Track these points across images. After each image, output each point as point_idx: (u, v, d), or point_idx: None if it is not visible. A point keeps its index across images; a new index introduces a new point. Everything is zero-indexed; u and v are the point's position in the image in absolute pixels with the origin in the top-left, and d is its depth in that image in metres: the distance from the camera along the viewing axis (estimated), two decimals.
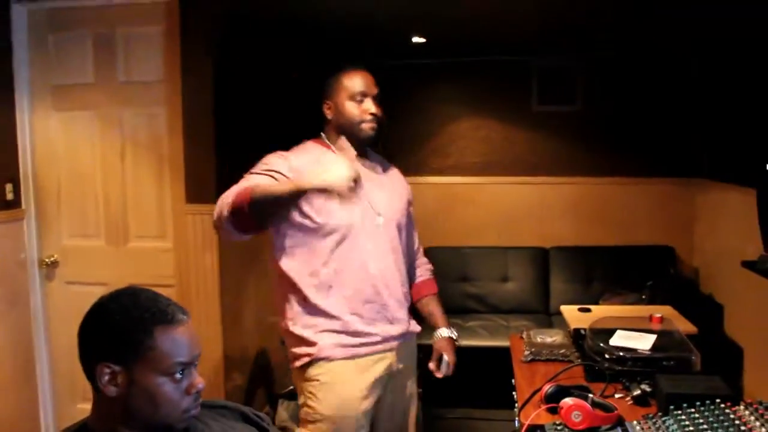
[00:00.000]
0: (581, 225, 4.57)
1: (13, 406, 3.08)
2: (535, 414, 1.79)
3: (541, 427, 1.73)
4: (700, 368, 2.06)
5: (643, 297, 3.94)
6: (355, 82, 2.17)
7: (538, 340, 2.46)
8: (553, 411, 1.77)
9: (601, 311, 3.03)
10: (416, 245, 2.47)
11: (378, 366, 2.15)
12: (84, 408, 3.22)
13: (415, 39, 3.79)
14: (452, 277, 4.46)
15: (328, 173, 1.79)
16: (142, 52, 3.07)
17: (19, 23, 3.11)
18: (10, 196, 3.11)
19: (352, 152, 2.14)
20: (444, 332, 2.36)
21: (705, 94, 4.18)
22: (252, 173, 2.04)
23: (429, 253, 4.47)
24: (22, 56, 3.13)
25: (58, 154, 3.22)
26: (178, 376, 1.23)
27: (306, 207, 2.04)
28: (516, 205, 4.64)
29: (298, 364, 2.14)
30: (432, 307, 2.42)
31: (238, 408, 1.49)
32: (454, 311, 4.29)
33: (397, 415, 2.28)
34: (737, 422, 1.59)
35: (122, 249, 3.21)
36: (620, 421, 1.73)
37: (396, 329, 2.19)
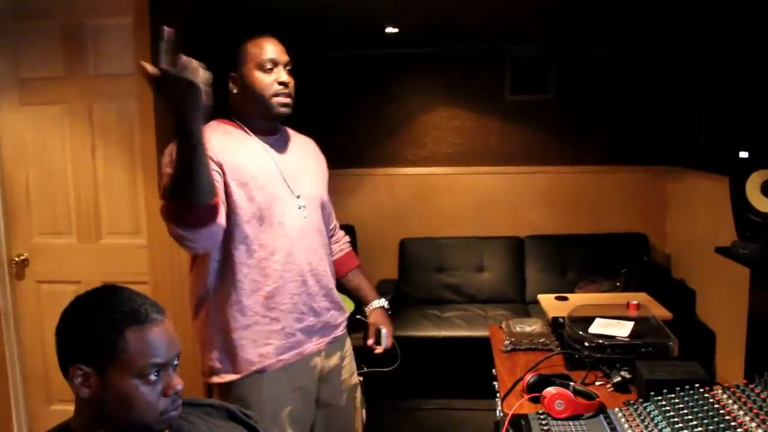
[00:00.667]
0: (555, 214, 4.60)
1: None
2: (518, 404, 1.79)
3: (525, 416, 1.73)
4: (677, 354, 2.09)
5: (618, 284, 3.98)
6: (264, 48, 1.93)
7: (517, 329, 2.46)
8: (536, 400, 1.78)
9: (578, 299, 3.04)
10: (333, 221, 2.29)
11: (312, 365, 2.02)
12: (58, 409, 3.21)
13: (389, 29, 3.77)
14: (428, 267, 4.47)
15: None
16: (112, 44, 3.00)
17: None
18: None
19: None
20: (375, 304, 2.26)
21: (678, 82, 4.23)
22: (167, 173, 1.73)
23: (405, 244, 4.53)
24: None
25: (26, 149, 3.15)
26: (152, 377, 1.19)
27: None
28: (491, 194, 4.65)
29: (218, 380, 1.94)
30: (358, 280, 2.30)
31: (224, 406, 1.46)
32: (431, 302, 4.32)
33: (339, 410, 2.14)
34: (716, 406, 1.61)
35: (94, 246, 3.15)
36: (602, 409, 1.74)
37: (325, 323, 2.05)
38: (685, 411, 1.60)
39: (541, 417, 1.71)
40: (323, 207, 2.09)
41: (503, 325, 2.54)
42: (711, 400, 1.64)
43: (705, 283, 3.92)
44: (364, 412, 2.30)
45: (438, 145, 4.66)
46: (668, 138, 4.39)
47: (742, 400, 1.62)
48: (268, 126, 1.99)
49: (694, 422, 1.53)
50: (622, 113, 4.50)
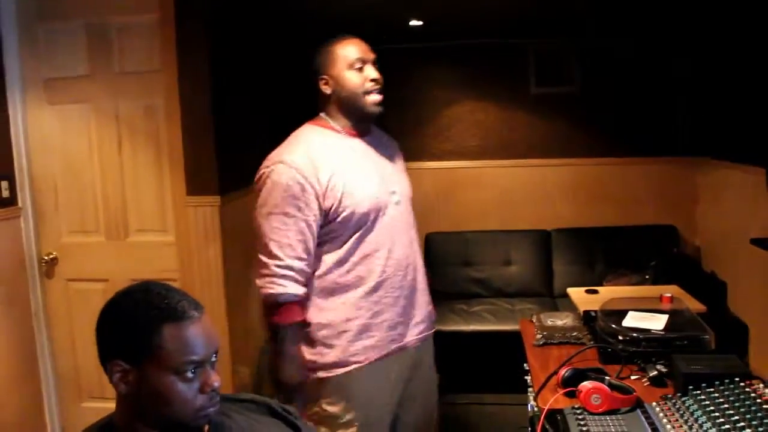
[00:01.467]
0: (582, 206, 4.56)
1: (17, 406, 3.04)
2: (554, 398, 1.76)
3: (560, 411, 1.70)
4: (713, 347, 2.05)
5: (647, 277, 3.92)
6: (351, 49, 2.03)
7: (549, 323, 2.43)
8: (571, 395, 1.75)
9: (608, 292, 3.01)
10: None
11: (405, 358, 2.14)
12: (89, 406, 3.24)
13: (413, 22, 3.75)
14: (455, 261, 4.44)
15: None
16: (137, 41, 3.01)
17: (7, 13, 3.02)
18: (5, 193, 3.05)
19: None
20: None
21: (707, 72, 4.15)
22: (271, 227, 1.98)
23: (431, 238, 4.50)
24: (12, 48, 3.05)
25: (53, 149, 3.16)
26: (189, 374, 1.18)
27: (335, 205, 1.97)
28: (516, 187, 4.62)
29: (320, 375, 2.06)
30: None
31: (265, 402, 1.45)
32: (457, 296, 4.30)
33: (423, 402, 2.28)
34: (758, 400, 1.57)
35: (123, 244, 3.17)
36: (639, 403, 1.70)
37: (421, 319, 2.18)
38: (726, 405, 1.56)
39: (578, 412, 1.67)
40: (410, 203, 2.20)
41: (534, 319, 2.51)
42: (752, 395, 1.60)
43: (737, 275, 3.85)
44: None
45: (463, 138, 4.63)
46: (697, 129, 4.31)
47: None
48: (363, 125, 2.08)
49: (736, 417, 1.49)
50: (650, 104, 4.43)
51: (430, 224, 4.57)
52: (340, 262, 2.01)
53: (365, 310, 2.03)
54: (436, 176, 4.66)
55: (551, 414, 1.70)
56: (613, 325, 2.15)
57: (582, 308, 2.59)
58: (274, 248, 1.95)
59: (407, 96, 4.61)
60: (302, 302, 2.01)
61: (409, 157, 4.54)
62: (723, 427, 1.46)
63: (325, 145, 2.02)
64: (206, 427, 1.26)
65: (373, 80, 2.02)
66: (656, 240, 4.30)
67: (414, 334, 2.16)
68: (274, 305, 1.96)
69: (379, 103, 2.04)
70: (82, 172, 3.16)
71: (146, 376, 1.17)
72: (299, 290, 1.98)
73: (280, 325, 1.97)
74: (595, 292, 3.03)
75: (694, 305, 2.80)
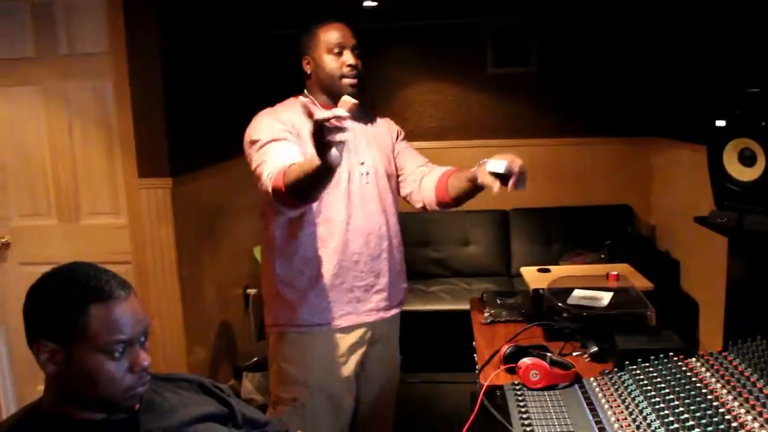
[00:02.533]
0: (540, 186, 4.58)
1: None
2: (494, 375, 1.80)
3: (500, 387, 1.73)
4: (655, 323, 2.10)
5: (602, 256, 4.00)
6: (332, 34, 2.10)
7: (498, 302, 2.47)
8: (512, 371, 1.78)
9: (560, 271, 3.05)
10: (423, 161, 2.37)
11: (364, 332, 2.19)
12: None
13: (367, 3, 3.72)
14: (414, 242, 4.44)
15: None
16: (84, 22, 2.96)
17: None
18: None
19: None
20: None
21: (658, 52, 4.22)
22: (266, 143, 1.95)
23: None
24: None
25: (1, 132, 3.11)
26: (117, 354, 1.19)
27: None
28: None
29: (276, 330, 2.15)
30: (459, 177, 2.27)
31: (198, 380, 1.47)
32: (417, 276, 4.33)
33: (383, 383, 2.32)
34: (689, 374, 1.62)
35: (75, 227, 3.14)
36: (578, 379, 1.75)
37: (385, 292, 2.22)
38: (659, 380, 1.60)
39: (517, 388, 1.71)
40: (389, 178, 2.24)
41: (484, 298, 2.55)
42: (685, 370, 1.64)
43: (688, 253, 3.94)
44: None
45: (420, 119, 4.63)
46: (650, 108, 4.38)
47: (716, 368, 1.63)
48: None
49: (668, 391, 1.54)
50: (604, 84, 4.48)
51: None
52: (302, 221, 2.05)
53: (324, 271, 2.09)
54: None
55: (492, 390, 1.73)
56: (559, 303, 2.20)
57: (533, 287, 2.63)
58: (265, 171, 1.88)
59: (364, 78, 4.58)
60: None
61: None
62: (655, 401, 1.51)
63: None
64: (137, 406, 1.27)
65: (349, 66, 2.08)
66: (612, 219, 4.38)
67: (375, 305, 2.20)
68: (273, 188, 1.84)
69: (354, 86, 2.10)
70: (33, 154, 3.12)
71: (74, 356, 1.17)
72: (273, 168, 1.88)
73: (288, 185, 1.79)
74: (548, 270, 3.06)
75: (642, 283, 2.84)
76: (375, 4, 3.80)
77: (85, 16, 2.95)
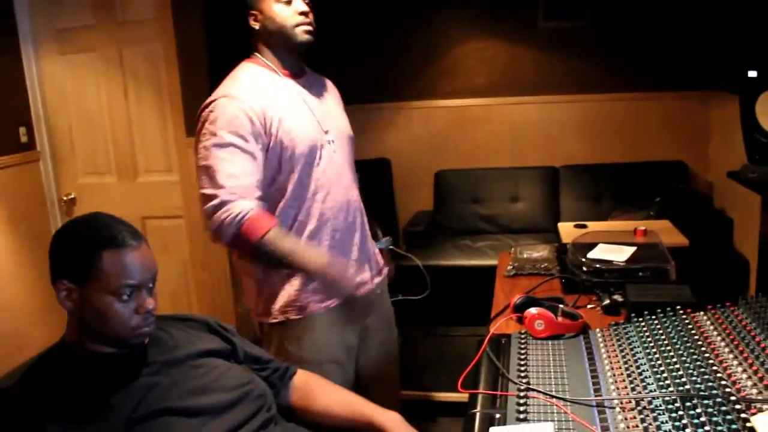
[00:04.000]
0: (593, 143, 4.53)
1: (48, 336, 3.25)
2: (500, 323, 1.86)
3: (508, 336, 1.79)
4: (675, 278, 2.10)
5: (651, 213, 3.92)
6: None
7: (525, 255, 2.52)
8: (521, 321, 1.82)
9: (596, 227, 3.05)
10: None
11: (357, 303, 2.09)
12: None
13: None
14: (463, 198, 4.51)
15: (339, 279, 1.86)
16: None
17: None
18: (24, 138, 3.26)
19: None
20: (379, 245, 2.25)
21: (714, 4, 4.03)
22: (227, 144, 1.82)
23: (440, 175, 4.58)
24: (23, 2, 3.20)
25: (66, 96, 3.35)
26: (125, 297, 1.32)
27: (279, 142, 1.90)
28: (525, 125, 4.61)
29: (268, 320, 2.03)
30: None
31: (204, 320, 1.61)
32: (465, 232, 4.40)
33: (381, 340, 2.27)
34: (690, 327, 1.64)
35: (133, 184, 3.36)
36: (584, 330, 1.77)
37: (368, 261, 2.16)
38: (661, 333, 1.63)
39: (522, 336, 1.75)
40: (351, 142, 2.14)
41: (511, 251, 2.60)
42: (689, 323, 1.66)
43: (743, 212, 3.83)
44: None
45: (471, 76, 4.61)
46: (711, 62, 4.21)
47: (719, 322, 1.64)
48: (294, 59, 2.02)
49: (666, 344, 1.56)
50: (660, 38, 4.32)
51: (439, 162, 4.63)
52: (277, 205, 1.95)
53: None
54: (445, 114, 4.68)
55: (498, 338, 1.78)
56: (579, 257, 2.23)
57: (565, 241, 2.65)
58: (222, 178, 1.80)
59: (414, 35, 4.60)
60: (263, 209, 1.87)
61: (417, 95, 4.68)
62: (651, 353, 1.54)
63: (264, 82, 1.97)
64: (146, 340, 1.42)
65: (302, 13, 1.94)
66: (665, 176, 4.27)
67: (361, 278, 2.11)
68: (239, 230, 1.78)
69: (309, 33, 1.96)
70: (94, 117, 3.34)
71: (88, 296, 1.32)
72: (254, 203, 1.84)
73: (261, 242, 1.79)
74: (584, 226, 3.06)
75: (677, 239, 2.81)
76: None
77: None
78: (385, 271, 2.28)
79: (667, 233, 2.76)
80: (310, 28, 1.96)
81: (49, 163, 3.39)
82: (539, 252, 2.56)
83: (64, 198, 3.42)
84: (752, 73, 2.22)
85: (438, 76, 4.69)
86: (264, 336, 2.12)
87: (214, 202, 1.80)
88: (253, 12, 1.98)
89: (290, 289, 1.99)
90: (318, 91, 2.10)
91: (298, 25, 1.94)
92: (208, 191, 1.83)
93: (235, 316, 3.19)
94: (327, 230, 2.01)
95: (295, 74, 2.05)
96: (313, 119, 2.01)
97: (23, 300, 3.23)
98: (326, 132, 2.03)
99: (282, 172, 1.94)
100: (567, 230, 3.07)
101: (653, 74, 4.39)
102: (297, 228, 1.98)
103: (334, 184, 2.02)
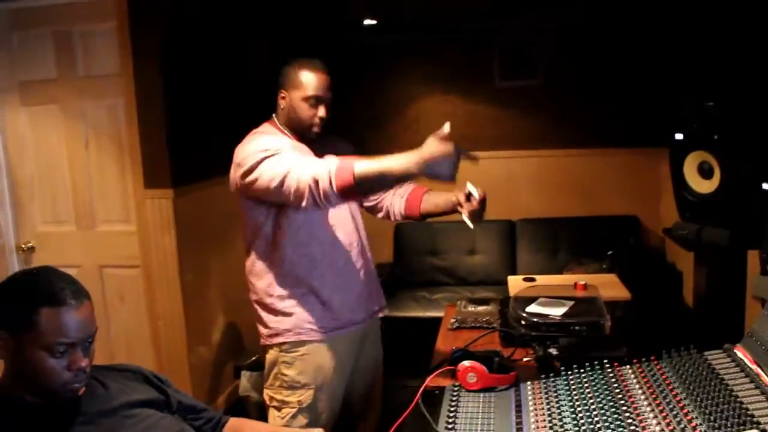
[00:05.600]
0: (548, 197, 4.66)
1: None
2: (434, 375, 1.90)
3: (442, 388, 1.84)
4: (608, 332, 2.17)
5: (604, 266, 4.04)
6: (312, 84, 2.18)
7: (469, 309, 2.59)
8: (454, 374, 1.86)
9: (544, 281, 3.14)
10: None
11: (354, 333, 2.33)
12: None
13: (367, 21, 3.86)
14: (422, 251, 4.60)
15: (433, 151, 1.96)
16: (99, 47, 3.21)
17: None
18: None
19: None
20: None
21: (660, 64, 4.22)
22: (279, 151, 2.03)
23: (399, 228, 4.65)
24: None
25: (28, 146, 3.39)
26: (58, 354, 1.35)
27: None
28: (483, 179, 4.57)
29: (276, 341, 2.25)
30: (434, 198, 2.51)
31: (139, 370, 1.65)
32: (422, 284, 4.46)
33: (370, 374, 2.47)
34: (614, 381, 1.68)
35: (91, 233, 3.38)
36: (516, 383, 1.82)
37: (370, 298, 2.37)
38: (587, 386, 1.67)
39: (455, 389, 1.80)
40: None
41: (457, 305, 2.66)
42: (613, 377, 1.70)
43: (690, 265, 3.94)
44: None
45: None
46: (659, 119, 4.37)
47: (642, 375, 1.69)
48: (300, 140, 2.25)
49: (590, 398, 1.61)
50: (612, 96, 4.52)
51: None
52: (292, 243, 2.18)
53: (318, 285, 2.22)
54: None
55: (433, 391, 1.82)
56: (519, 311, 2.29)
57: (512, 294, 2.72)
58: (284, 161, 2.00)
59: (374, 90, 4.74)
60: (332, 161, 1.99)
61: (376, 149, 4.70)
62: (575, 406, 1.59)
63: (287, 140, 2.20)
64: (82, 391, 1.45)
65: (320, 118, 2.20)
66: (618, 230, 4.41)
67: (364, 312, 2.35)
68: (333, 181, 1.90)
69: (317, 135, 2.22)
70: (54, 167, 3.38)
71: (22, 348, 1.35)
72: (319, 161, 1.98)
73: (356, 183, 1.90)
74: (533, 280, 3.16)
75: (620, 293, 2.91)
76: (374, 22, 3.93)
77: (99, 40, 3.20)
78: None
79: (611, 287, 2.86)
80: (319, 129, 2.22)
81: (9, 212, 3.41)
82: (483, 306, 2.62)
83: (23, 246, 3.43)
84: (678, 136, 2.33)
85: (399, 129, 4.82)
86: (265, 357, 2.32)
87: (291, 178, 1.95)
88: (283, 92, 2.23)
89: (294, 315, 2.20)
90: (328, 150, 2.22)
91: (312, 126, 2.21)
92: (279, 176, 1.97)
93: (188, 366, 3.20)
94: (334, 269, 2.24)
95: (304, 141, 2.25)
96: None
97: None
98: None
99: (289, 211, 2.14)
100: (516, 283, 3.17)
101: (605, 131, 4.57)
102: (306, 264, 2.20)
103: (339, 229, 2.26)
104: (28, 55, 3.29)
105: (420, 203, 2.46)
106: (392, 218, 2.51)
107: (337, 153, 2.30)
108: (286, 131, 2.24)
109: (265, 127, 2.27)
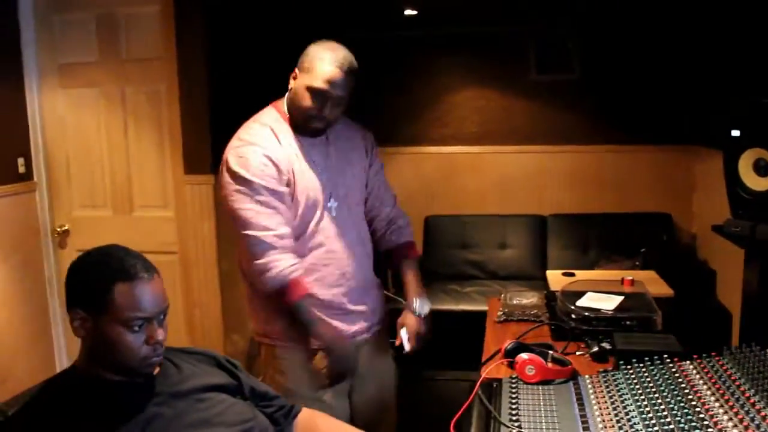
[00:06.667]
0: (579, 193, 4.63)
1: (32, 368, 3.28)
2: (491, 367, 1.89)
3: (499, 380, 1.82)
4: (660, 328, 2.15)
5: (637, 263, 4.01)
6: (324, 76, 1.95)
7: (514, 302, 2.56)
8: (512, 366, 1.85)
9: (584, 275, 3.12)
10: (389, 202, 2.37)
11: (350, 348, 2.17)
12: None
13: (407, 11, 3.84)
14: (452, 244, 4.57)
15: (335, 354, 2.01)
16: (142, 30, 3.21)
17: (25, 5, 3.25)
18: (22, 169, 3.29)
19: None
20: (412, 307, 2.28)
21: (699, 61, 4.19)
22: (260, 188, 1.95)
23: (430, 221, 4.63)
24: (29, 37, 3.28)
25: (66, 129, 3.39)
26: (136, 328, 1.36)
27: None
28: (515, 173, 4.71)
29: (268, 341, 2.16)
30: (408, 276, 2.33)
31: (212, 354, 1.64)
32: (453, 277, 4.44)
33: (378, 386, 2.33)
34: (677, 376, 1.67)
35: (128, 218, 3.39)
36: (574, 376, 1.81)
37: (368, 313, 2.24)
38: (649, 381, 1.66)
39: (513, 381, 1.78)
40: (360, 200, 2.23)
41: (501, 297, 2.64)
42: (676, 372, 1.68)
43: (724, 263, 3.92)
44: None
45: (463, 124, 4.73)
46: (696, 117, 4.35)
47: (705, 371, 1.68)
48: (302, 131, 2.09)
49: (655, 392, 1.59)
50: (648, 92, 4.47)
51: (429, 207, 4.70)
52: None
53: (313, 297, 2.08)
54: (436, 161, 4.78)
55: (490, 383, 1.81)
56: (568, 304, 2.28)
57: (553, 289, 2.71)
58: (263, 220, 1.94)
59: (408, 82, 4.71)
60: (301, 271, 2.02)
61: (409, 141, 4.77)
62: (640, 401, 1.57)
63: (284, 135, 2.06)
64: (157, 370, 1.46)
65: (322, 115, 2.01)
66: (650, 227, 4.37)
67: (359, 326, 2.21)
68: (283, 286, 1.94)
69: (318, 129, 2.06)
70: (92, 151, 3.39)
71: (99, 326, 1.35)
72: (295, 260, 1.98)
73: (296, 303, 1.96)
74: (572, 275, 3.14)
75: (662, 290, 2.89)
76: (415, 12, 3.91)
77: (143, 24, 3.20)
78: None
79: (653, 283, 2.84)
80: (320, 125, 2.04)
81: (45, 194, 3.42)
82: (528, 299, 2.60)
83: (58, 229, 3.44)
84: (735, 132, 2.29)
85: (429, 123, 4.80)
86: (258, 355, 2.24)
87: (258, 248, 1.94)
88: (296, 71, 2.04)
89: (284, 319, 2.07)
90: (334, 149, 2.15)
91: (310, 119, 2.02)
92: (250, 233, 1.95)
93: (224, 353, 3.18)
94: (325, 285, 2.11)
95: (311, 133, 2.10)
96: (320, 179, 2.09)
97: (8, 330, 3.22)
98: (330, 193, 2.11)
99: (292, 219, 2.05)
100: (555, 278, 3.15)
101: (640, 128, 4.53)
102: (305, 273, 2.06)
103: (336, 239, 2.12)
104: (69, 38, 3.30)
105: (399, 264, 2.36)
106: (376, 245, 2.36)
107: (348, 145, 2.20)
108: (287, 117, 2.08)
109: (269, 115, 2.11)
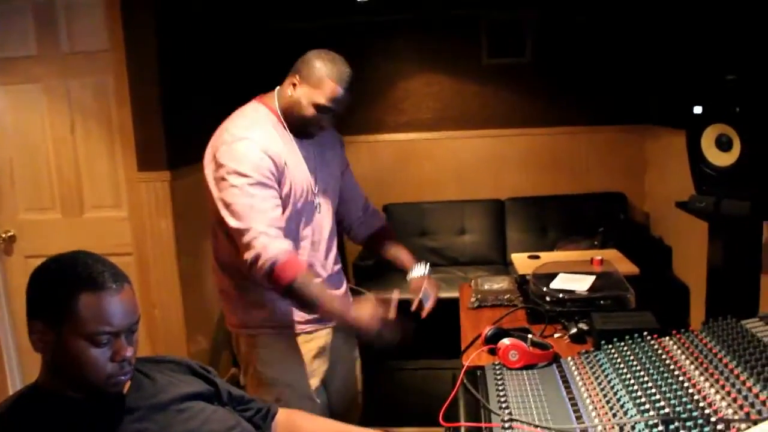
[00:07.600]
0: (536, 175, 4.67)
1: None
2: (474, 355, 1.87)
3: (481, 368, 1.80)
4: (634, 305, 2.17)
5: (596, 243, 4.06)
6: (331, 96, 2.02)
7: (486, 287, 2.55)
8: (493, 352, 1.84)
9: (549, 257, 3.12)
10: (362, 194, 2.48)
11: (325, 334, 2.23)
12: None
13: None
14: (411, 232, 4.55)
15: (360, 317, 1.93)
16: (84, 21, 3.05)
17: None
18: None
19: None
20: (414, 273, 2.45)
21: (649, 40, 4.26)
22: (255, 183, 1.94)
23: (387, 209, 4.60)
24: None
25: (6, 128, 3.21)
26: (102, 342, 1.24)
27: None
28: (471, 158, 4.71)
29: (247, 332, 2.16)
30: (394, 251, 2.50)
31: (185, 362, 1.55)
32: None
33: (346, 374, 2.39)
34: (660, 352, 1.69)
35: (78, 220, 3.24)
36: (556, 359, 1.81)
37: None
38: (632, 359, 1.67)
39: (497, 368, 1.77)
40: (334, 198, 2.28)
41: (472, 283, 2.63)
42: (657, 349, 1.70)
43: (679, 239, 4.01)
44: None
45: (417, 110, 4.71)
46: (644, 96, 4.43)
47: (687, 347, 1.69)
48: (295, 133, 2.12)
49: (639, 369, 1.60)
50: (598, 73, 4.53)
51: (387, 195, 4.66)
52: None
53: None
54: (392, 148, 4.75)
55: (473, 371, 1.79)
56: (542, 287, 2.27)
57: (521, 272, 2.70)
58: (253, 212, 1.92)
59: (359, 70, 4.61)
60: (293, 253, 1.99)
61: (365, 129, 4.71)
62: (626, 379, 1.57)
63: (275, 131, 2.07)
64: (127, 386, 1.35)
65: (322, 126, 2.10)
66: (606, 207, 4.45)
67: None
68: (273, 270, 1.89)
69: (314, 135, 2.13)
70: (37, 150, 3.21)
71: (62, 339, 1.23)
72: (285, 243, 1.95)
73: (291, 286, 1.90)
74: (537, 257, 3.13)
75: (628, 268, 2.90)
76: None
77: (85, 14, 3.03)
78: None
79: (618, 262, 2.85)
80: (316, 132, 2.12)
81: None
82: (499, 283, 2.59)
83: (3, 235, 3.25)
84: (697, 109, 2.33)
85: (384, 110, 4.75)
86: (236, 347, 2.24)
87: (246, 237, 1.91)
88: (297, 79, 2.05)
89: (265, 307, 2.11)
90: (321, 150, 2.21)
91: (309, 127, 2.08)
92: (240, 225, 1.92)
93: (187, 354, 3.09)
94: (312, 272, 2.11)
95: (304, 135, 2.14)
96: (309, 174, 2.13)
97: None
98: (317, 188, 2.16)
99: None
100: (521, 261, 3.14)
101: (592, 109, 4.59)
102: None
103: (317, 232, 2.18)
104: (5, 31, 3.10)
105: (380, 249, 2.49)
106: (351, 238, 2.50)
107: (323, 143, 2.23)
108: (277, 114, 2.09)
109: (257, 110, 2.10)
